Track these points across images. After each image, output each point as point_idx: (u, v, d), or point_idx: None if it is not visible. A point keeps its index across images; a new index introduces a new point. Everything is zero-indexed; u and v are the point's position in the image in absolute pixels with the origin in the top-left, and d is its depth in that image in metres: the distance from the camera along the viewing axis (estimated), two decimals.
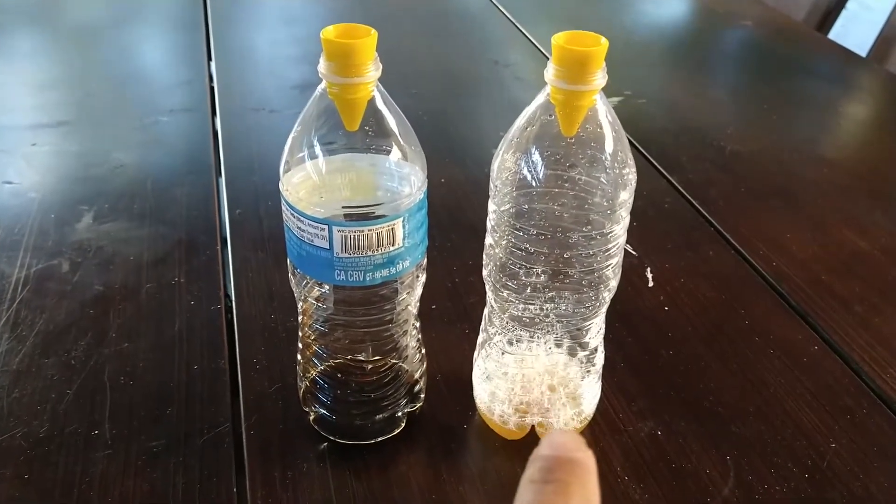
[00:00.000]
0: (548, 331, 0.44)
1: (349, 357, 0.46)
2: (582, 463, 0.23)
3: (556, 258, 0.41)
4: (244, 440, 0.47)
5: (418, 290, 0.45)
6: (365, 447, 0.47)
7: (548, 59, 0.37)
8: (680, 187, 0.78)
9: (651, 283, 0.63)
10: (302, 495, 0.44)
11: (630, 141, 0.84)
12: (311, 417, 0.48)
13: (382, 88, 0.39)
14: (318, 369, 0.47)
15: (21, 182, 0.75)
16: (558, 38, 0.37)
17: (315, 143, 0.39)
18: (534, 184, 0.40)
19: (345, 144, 0.39)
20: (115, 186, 0.74)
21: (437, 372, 0.52)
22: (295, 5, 1.30)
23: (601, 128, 0.39)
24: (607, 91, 0.38)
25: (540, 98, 0.39)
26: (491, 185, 0.42)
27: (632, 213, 0.42)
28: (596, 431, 0.49)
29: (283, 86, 0.99)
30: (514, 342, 0.46)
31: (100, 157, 0.80)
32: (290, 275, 0.44)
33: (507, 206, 0.41)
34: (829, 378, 0.54)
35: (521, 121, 0.40)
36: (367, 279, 0.40)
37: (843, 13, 1.59)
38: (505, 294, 0.44)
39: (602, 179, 0.40)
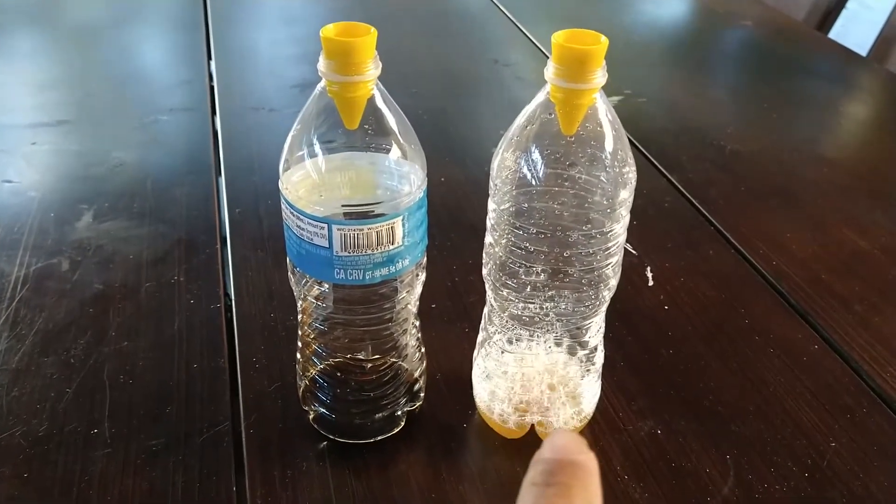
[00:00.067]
0: (547, 330, 0.44)
1: (349, 356, 0.46)
2: (584, 465, 0.23)
3: (556, 257, 0.41)
4: (244, 439, 0.47)
5: (418, 289, 0.45)
6: (364, 446, 0.47)
7: (548, 58, 0.37)
8: (680, 186, 0.78)
9: (651, 283, 0.63)
10: (301, 494, 0.44)
11: (630, 140, 0.84)
12: (311, 416, 0.48)
13: (382, 87, 0.39)
14: (318, 368, 0.47)
15: (21, 181, 0.75)
16: (558, 37, 0.37)
17: (315, 141, 0.39)
18: (534, 182, 0.40)
19: (344, 143, 0.39)
20: (114, 185, 0.74)
21: (436, 371, 0.52)
22: (295, 5, 1.30)
23: (601, 126, 0.39)
24: (607, 90, 0.38)
25: (540, 96, 0.39)
26: (491, 183, 0.42)
27: (632, 212, 0.42)
28: (596, 430, 0.49)
29: (283, 85, 0.99)
30: (514, 341, 0.46)
31: (100, 157, 0.80)
32: (289, 273, 0.44)
33: (507, 205, 0.41)
34: (828, 377, 0.54)
35: (521, 119, 0.40)
36: (367, 278, 0.40)
37: (844, 13, 1.59)
38: (505, 293, 0.43)
39: (602, 178, 0.40)
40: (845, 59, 1.17)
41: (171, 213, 0.70)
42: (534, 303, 0.43)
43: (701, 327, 0.59)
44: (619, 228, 0.41)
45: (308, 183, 0.39)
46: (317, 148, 0.39)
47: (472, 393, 0.50)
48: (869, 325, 0.60)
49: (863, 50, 1.46)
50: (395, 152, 0.40)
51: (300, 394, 0.49)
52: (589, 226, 0.40)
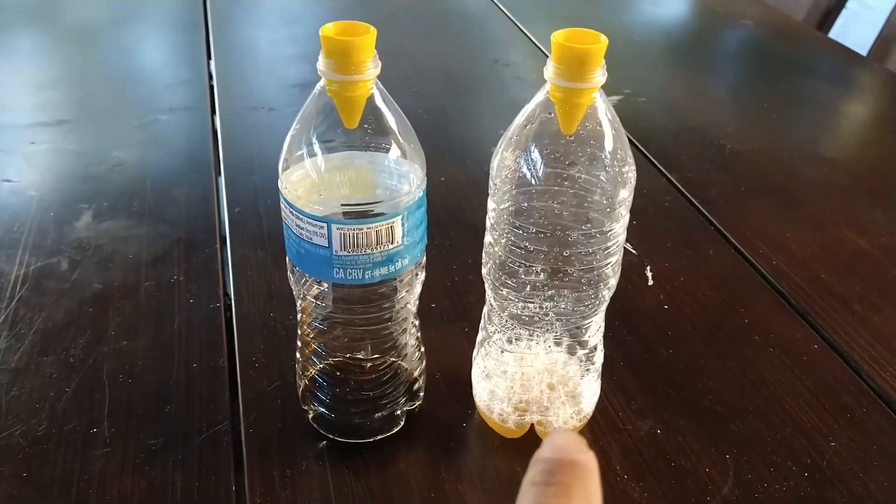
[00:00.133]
0: (547, 329, 0.44)
1: (348, 355, 0.46)
2: (584, 465, 0.23)
3: (556, 256, 0.41)
4: (243, 438, 0.47)
5: (417, 289, 0.45)
6: (364, 445, 0.47)
7: (548, 57, 0.37)
8: (680, 186, 0.78)
9: (651, 282, 0.63)
10: (301, 494, 0.44)
11: (630, 139, 0.84)
12: (310, 416, 0.48)
13: (382, 86, 0.39)
14: (317, 367, 0.47)
15: (20, 180, 0.75)
16: (558, 36, 0.37)
17: (314, 140, 0.39)
18: (533, 182, 0.40)
19: (344, 142, 0.39)
20: (114, 185, 0.74)
21: (436, 370, 0.52)
22: (294, 5, 1.30)
23: (601, 126, 0.39)
24: (607, 89, 0.38)
25: (539, 96, 0.39)
26: (490, 183, 0.42)
27: (631, 212, 0.42)
28: (595, 430, 0.49)
29: (283, 85, 0.99)
30: (514, 340, 0.46)
31: (99, 156, 0.80)
32: (288, 273, 0.44)
33: (507, 205, 0.41)
34: (828, 377, 0.54)
35: (520, 119, 0.40)
36: (366, 277, 0.40)
37: (844, 12, 1.59)
38: (504, 292, 0.43)
39: (601, 177, 0.40)
40: (845, 59, 1.17)
41: (170, 213, 0.70)
42: (533, 302, 0.43)
43: (701, 327, 0.59)
44: (619, 228, 0.41)
45: (307, 182, 0.39)
46: (316, 147, 0.39)
47: (471, 392, 0.50)
48: (869, 324, 0.60)
49: (863, 50, 1.46)
50: (394, 152, 0.40)
51: (300, 393, 0.49)
52: (588, 225, 0.40)
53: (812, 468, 0.47)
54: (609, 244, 0.41)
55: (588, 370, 0.47)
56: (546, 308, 0.43)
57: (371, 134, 0.39)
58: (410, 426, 0.48)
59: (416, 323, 0.47)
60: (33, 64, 1.05)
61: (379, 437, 0.47)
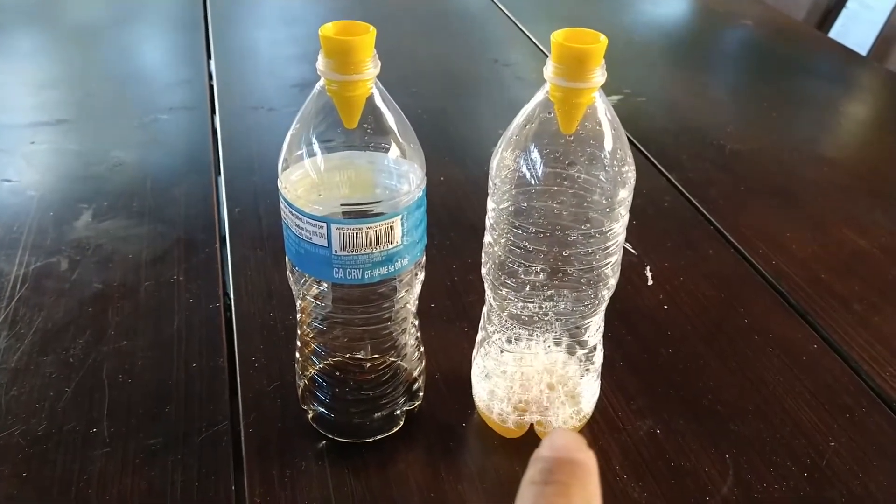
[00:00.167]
0: (547, 329, 0.44)
1: (348, 355, 0.46)
2: (583, 464, 0.23)
3: (555, 256, 0.41)
4: (242, 438, 0.47)
5: (417, 289, 0.45)
6: (363, 445, 0.47)
7: (548, 57, 0.37)
8: (679, 186, 0.78)
9: (650, 282, 0.63)
10: (300, 493, 0.44)
11: (630, 139, 0.84)
12: (310, 416, 0.48)
13: (381, 86, 0.39)
14: (317, 367, 0.47)
15: (20, 180, 0.75)
16: (557, 36, 0.37)
17: (313, 140, 0.39)
18: (533, 182, 0.40)
19: (343, 142, 0.39)
20: (114, 185, 0.74)
21: (435, 370, 0.52)
22: (294, 5, 1.30)
23: (600, 125, 0.39)
24: (607, 89, 0.38)
25: (539, 95, 0.39)
26: (490, 182, 0.42)
27: (631, 212, 0.42)
28: (595, 430, 0.49)
29: (283, 84, 0.99)
30: (513, 340, 0.46)
31: (99, 156, 0.80)
32: (288, 273, 0.44)
33: (506, 204, 0.41)
34: (828, 377, 0.54)
35: (520, 118, 0.40)
36: (366, 277, 0.40)
37: (844, 12, 1.59)
38: (504, 292, 0.43)
39: (601, 177, 0.40)
40: (845, 59, 1.17)
41: (170, 213, 0.70)
42: (533, 302, 0.43)
43: (700, 327, 0.59)
44: (619, 228, 0.41)
45: (307, 182, 0.39)
46: (316, 147, 0.39)
47: (471, 392, 0.50)
48: (868, 324, 0.60)
49: (863, 49, 1.46)
50: (394, 151, 0.40)
51: (299, 393, 0.49)
52: (588, 225, 0.40)
53: (811, 468, 0.47)
54: (608, 244, 0.41)
55: (587, 370, 0.47)
56: (545, 308, 0.43)
57: (370, 134, 0.39)
58: (410, 426, 0.48)
59: (416, 323, 0.47)
60: (33, 64, 1.05)
61: (378, 437, 0.47)
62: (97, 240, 0.66)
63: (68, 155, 0.80)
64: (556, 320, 0.44)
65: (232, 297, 0.60)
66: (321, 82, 0.38)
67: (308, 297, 0.44)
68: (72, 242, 0.65)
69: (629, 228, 0.43)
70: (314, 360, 0.47)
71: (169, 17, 1.21)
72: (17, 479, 0.45)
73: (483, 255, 0.45)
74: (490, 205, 0.42)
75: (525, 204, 0.40)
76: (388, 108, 0.39)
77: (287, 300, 0.55)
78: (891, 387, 0.54)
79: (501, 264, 0.43)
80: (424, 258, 0.44)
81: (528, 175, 0.40)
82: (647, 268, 0.64)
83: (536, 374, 0.46)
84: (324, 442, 0.47)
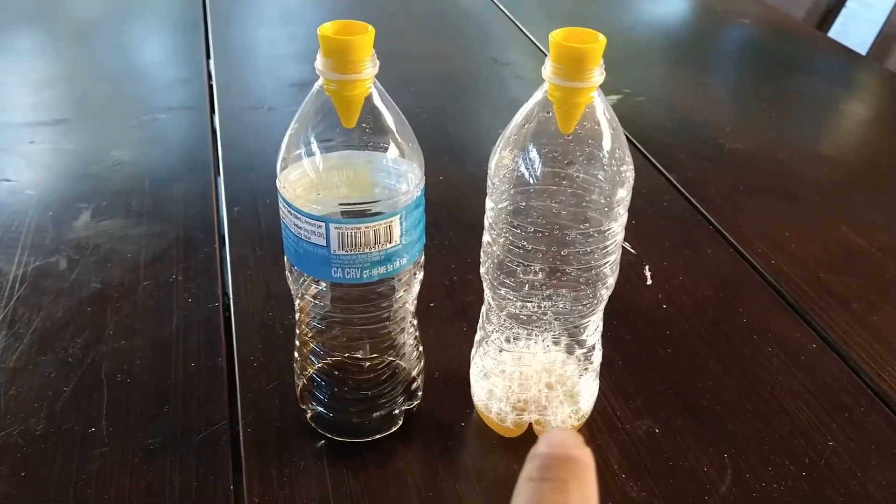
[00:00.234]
0: (545, 328, 0.44)
1: (346, 355, 0.46)
2: (580, 461, 0.23)
3: (554, 256, 0.41)
4: (241, 438, 0.47)
5: (416, 288, 0.45)
6: (362, 445, 0.47)
7: (547, 57, 0.37)
8: (679, 185, 0.78)
9: (649, 281, 0.63)
10: (299, 493, 0.44)
11: (629, 139, 0.84)
12: (309, 415, 0.48)
13: (380, 85, 0.39)
14: (316, 367, 0.47)
15: (19, 180, 0.75)
16: (556, 35, 0.37)
17: (312, 140, 0.39)
18: (531, 181, 0.40)
19: (342, 141, 0.39)
20: (113, 184, 0.74)
21: (434, 370, 0.52)
22: (294, 4, 1.30)
23: (599, 125, 0.39)
24: (606, 89, 0.38)
25: (538, 95, 0.39)
26: (489, 182, 0.42)
27: (630, 211, 0.42)
28: (593, 429, 0.49)
29: (282, 84, 0.99)
30: (512, 340, 0.46)
31: (98, 155, 0.80)
32: (287, 272, 0.44)
33: (505, 204, 0.41)
34: (826, 376, 0.54)
35: (518, 118, 0.40)
36: (365, 276, 0.40)
37: (843, 11, 1.59)
38: (503, 292, 0.43)
39: (600, 177, 0.40)
40: (845, 58, 1.17)
41: (169, 212, 0.70)
42: (532, 301, 0.43)
43: (699, 326, 0.59)
44: (617, 227, 0.41)
45: (305, 181, 0.39)
46: (314, 146, 0.39)
47: (469, 392, 0.50)
48: (867, 323, 0.60)
49: (863, 49, 1.46)
50: (392, 151, 0.40)
51: (298, 392, 0.49)
52: (587, 224, 0.40)
53: (810, 467, 0.47)
54: (607, 243, 0.41)
55: (586, 369, 0.47)
56: (544, 307, 0.43)
57: (369, 133, 0.39)
58: (409, 425, 0.48)
59: (415, 322, 0.47)
60: (32, 63, 1.04)
61: (377, 437, 0.47)
62: (96, 239, 0.66)
63: (67, 154, 0.80)
64: (555, 320, 0.44)
65: (231, 296, 0.59)
66: (320, 82, 0.38)
67: (307, 297, 0.44)
68: (71, 242, 0.65)
69: (628, 228, 0.43)
70: (313, 359, 0.47)
71: (168, 17, 1.21)
72: (15, 478, 0.45)
73: (482, 254, 0.45)
74: (489, 204, 0.42)
75: (524, 203, 0.40)
76: (386, 107, 0.39)
77: (286, 299, 0.55)
78: (889, 386, 0.54)
79: (500, 264, 0.43)
80: (423, 258, 0.44)
81: (526, 174, 0.40)
82: (646, 267, 0.64)
83: (535, 374, 0.46)
84: (322, 441, 0.47)
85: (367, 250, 0.39)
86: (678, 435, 0.49)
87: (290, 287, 0.45)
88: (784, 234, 0.70)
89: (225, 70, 1.00)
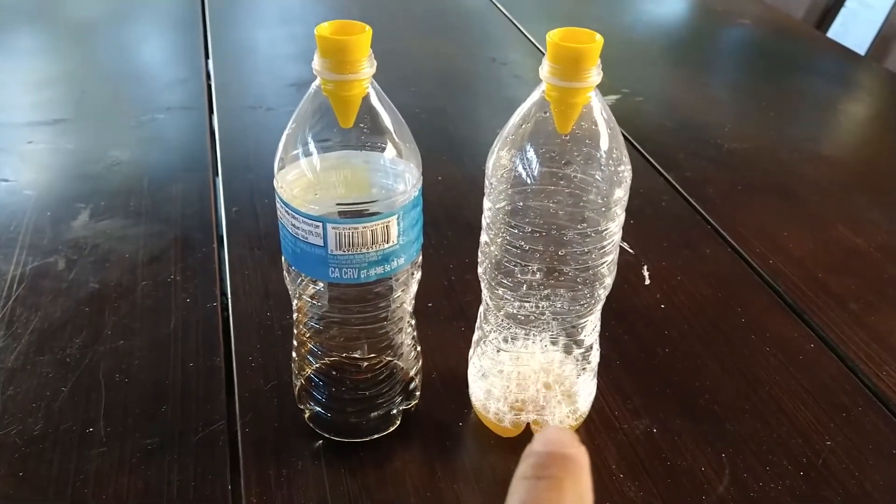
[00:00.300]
0: (543, 328, 0.44)
1: (344, 355, 0.46)
2: (575, 459, 0.23)
3: (552, 256, 0.41)
4: (239, 438, 0.47)
5: (413, 288, 0.45)
6: (360, 445, 0.47)
7: (544, 57, 0.37)
8: (677, 185, 0.78)
9: (648, 281, 0.63)
10: (297, 493, 0.44)
11: (627, 139, 0.84)
12: (307, 415, 0.48)
13: (377, 85, 0.39)
14: (314, 367, 0.47)
15: (17, 179, 0.75)
16: (553, 35, 0.37)
17: (309, 140, 0.39)
18: (529, 181, 0.40)
19: (339, 141, 0.39)
20: (111, 184, 0.74)
21: (432, 370, 0.52)
22: (293, 4, 1.30)
23: (596, 125, 0.39)
24: (605, 89, 0.38)
25: (535, 95, 0.39)
26: (486, 182, 0.42)
27: (629, 211, 0.42)
28: (591, 429, 0.49)
29: (281, 84, 0.99)
30: (510, 340, 0.46)
31: (96, 155, 0.80)
32: (284, 272, 0.44)
33: (503, 204, 0.41)
34: (824, 376, 0.54)
35: (516, 118, 0.40)
36: (362, 276, 0.40)
37: (843, 11, 1.59)
38: (500, 292, 0.43)
39: (597, 177, 0.40)
40: (844, 58, 1.17)
41: (167, 212, 0.70)
42: (529, 301, 0.43)
43: (697, 326, 0.59)
44: (615, 227, 0.41)
45: (303, 182, 0.39)
46: (311, 146, 0.39)
47: (467, 392, 0.50)
48: (865, 323, 0.60)
49: (862, 48, 1.46)
50: (389, 151, 0.40)
51: (296, 392, 0.49)
52: (584, 224, 0.40)
53: (808, 467, 0.47)
54: (605, 243, 0.41)
55: (584, 369, 0.47)
56: (542, 307, 0.43)
57: (366, 133, 0.39)
58: (406, 425, 0.48)
59: (413, 322, 0.47)
60: (30, 63, 1.04)
61: (375, 437, 0.47)
62: (94, 239, 0.66)
63: (65, 154, 0.80)
64: (553, 319, 0.44)
65: (229, 296, 0.59)
66: (317, 82, 0.38)
67: (304, 297, 0.44)
68: (69, 242, 0.65)
69: (627, 228, 0.43)
70: (311, 359, 0.47)
71: (167, 17, 1.21)
72: (13, 478, 0.45)
73: (479, 254, 0.45)
74: (486, 204, 0.42)
75: (521, 203, 0.40)
76: (384, 107, 0.39)
77: (284, 299, 0.55)
78: (887, 385, 0.54)
79: (498, 264, 0.43)
80: (421, 257, 0.44)
81: (524, 174, 0.40)
82: (645, 267, 0.64)
83: (533, 374, 0.46)
84: (320, 441, 0.47)
85: (364, 250, 0.39)
86: (676, 435, 0.49)
87: (288, 287, 0.45)
88: (783, 234, 0.70)
89: (223, 70, 1.00)
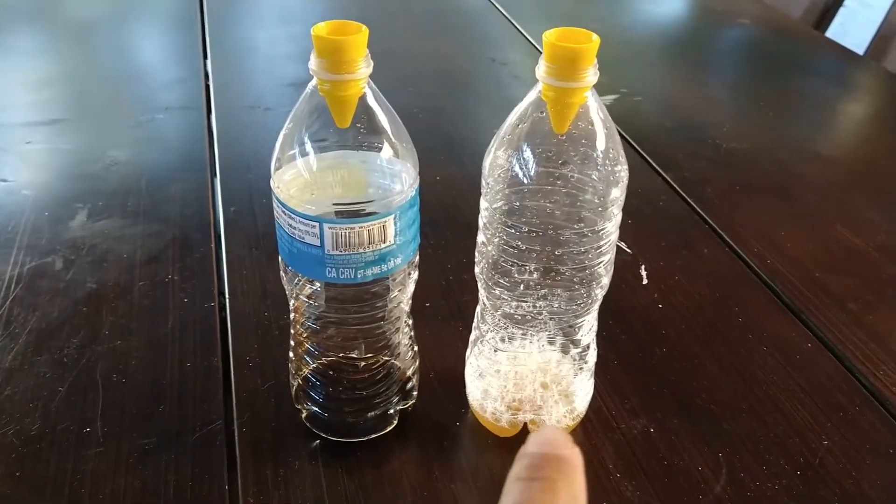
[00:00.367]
0: (540, 328, 0.44)
1: (341, 355, 0.46)
2: (569, 459, 0.23)
3: (548, 255, 0.41)
4: (236, 438, 0.47)
5: (410, 288, 0.45)
6: (357, 445, 0.47)
7: (540, 57, 0.37)
8: (675, 185, 0.78)
9: (645, 281, 0.63)
10: (294, 493, 0.44)
11: (625, 138, 0.85)
12: (304, 415, 0.48)
13: (374, 85, 0.39)
14: (311, 367, 0.47)
15: (15, 180, 0.75)
16: (550, 35, 0.37)
17: (306, 140, 0.39)
18: (525, 181, 0.40)
19: (336, 141, 0.39)
20: (109, 184, 0.74)
21: (429, 369, 0.52)
22: (291, 4, 1.30)
23: (593, 125, 0.39)
24: (603, 89, 0.38)
25: (532, 95, 0.39)
26: (483, 182, 0.42)
27: (626, 211, 0.42)
28: (588, 429, 0.49)
29: (279, 84, 0.99)
30: (507, 340, 0.46)
31: (94, 155, 0.80)
32: (281, 272, 0.44)
33: (499, 204, 0.41)
34: (821, 375, 0.54)
35: (512, 118, 0.40)
36: (359, 276, 0.40)
37: (841, 11, 1.59)
38: (497, 292, 0.43)
39: (594, 176, 0.40)
40: (843, 58, 1.17)
41: (165, 212, 0.70)
42: (526, 301, 0.43)
43: (695, 326, 0.59)
44: (611, 227, 0.41)
45: (300, 182, 0.39)
46: (308, 146, 0.39)
47: (465, 391, 0.50)
48: (863, 323, 0.60)
49: (860, 48, 1.46)
50: (386, 151, 0.40)
51: (293, 392, 0.49)
52: (581, 224, 0.40)
53: (805, 466, 0.47)
54: (601, 243, 0.41)
55: (581, 369, 0.47)
56: (539, 307, 0.43)
57: (363, 133, 0.39)
58: (404, 425, 0.48)
59: (410, 322, 0.47)
60: (28, 63, 1.04)
61: (372, 437, 0.47)
62: (92, 239, 0.66)
63: (63, 154, 0.80)
64: (550, 319, 0.44)
65: (227, 296, 0.59)
66: (314, 82, 0.38)
67: (301, 297, 0.44)
68: (67, 242, 0.65)
69: (625, 227, 0.43)
70: (308, 359, 0.47)
71: (165, 16, 1.21)
72: (10, 478, 0.45)
73: (476, 254, 0.45)
74: (483, 204, 0.42)
75: (518, 203, 0.40)
76: (380, 107, 0.39)
77: (282, 299, 0.55)
78: (884, 385, 0.54)
79: (495, 264, 0.43)
80: (418, 257, 0.44)
81: (520, 174, 0.40)
82: (642, 267, 0.64)
83: (530, 373, 0.46)
84: (317, 441, 0.47)
85: (361, 250, 0.39)
86: (673, 434, 0.49)
87: (285, 287, 0.45)
88: (780, 234, 0.70)
89: (222, 70, 1.00)
